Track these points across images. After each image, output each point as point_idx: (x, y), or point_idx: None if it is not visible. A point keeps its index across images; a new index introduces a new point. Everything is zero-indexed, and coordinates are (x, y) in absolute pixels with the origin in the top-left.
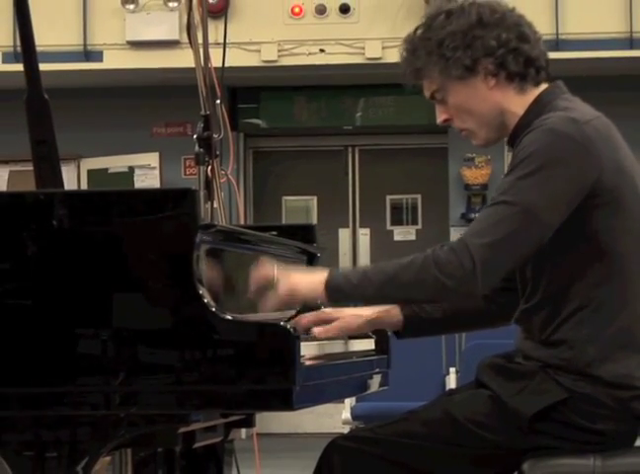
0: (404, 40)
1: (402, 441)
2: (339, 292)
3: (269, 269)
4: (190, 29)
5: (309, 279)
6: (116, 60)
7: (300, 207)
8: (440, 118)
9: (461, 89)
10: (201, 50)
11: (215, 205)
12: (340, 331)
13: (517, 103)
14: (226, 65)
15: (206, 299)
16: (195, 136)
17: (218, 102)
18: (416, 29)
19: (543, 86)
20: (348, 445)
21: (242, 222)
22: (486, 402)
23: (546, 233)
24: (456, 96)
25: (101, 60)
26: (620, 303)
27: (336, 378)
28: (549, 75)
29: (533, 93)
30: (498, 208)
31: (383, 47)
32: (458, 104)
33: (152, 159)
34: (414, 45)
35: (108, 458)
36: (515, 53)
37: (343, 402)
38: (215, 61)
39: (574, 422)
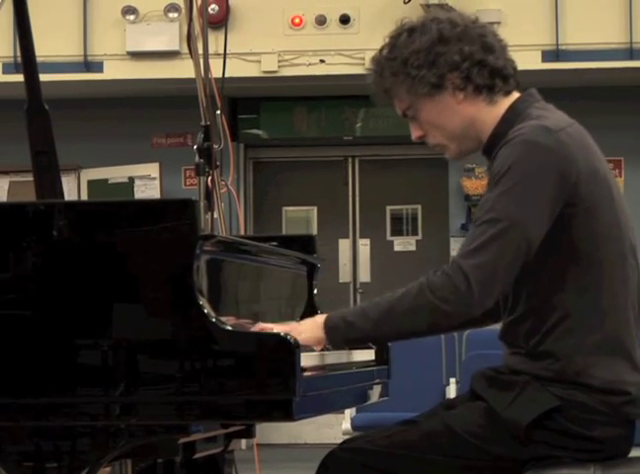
0: (371, 61)
1: (401, 453)
2: (338, 332)
3: (267, 326)
4: (190, 39)
5: (310, 325)
6: (116, 71)
7: (300, 218)
8: (415, 134)
9: (431, 105)
10: (202, 61)
11: (216, 216)
12: None
13: (488, 114)
14: (226, 76)
15: (207, 310)
16: (195, 147)
17: (218, 112)
18: (381, 48)
19: (515, 95)
20: (345, 457)
21: (242, 233)
22: (482, 414)
23: (534, 245)
24: (427, 112)
25: (101, 71)
26: (604, 310)
27: (336, 389)
28: (518, 83)
29: (505, 103)
30: (485, 227)
31: None
32: (430, 120)
33: (152, 170)
34: (380, 66)
35: (108, 469)
36: (480, 66)
37: (343, 413)
38: (215, 72)
39: (570, 430)
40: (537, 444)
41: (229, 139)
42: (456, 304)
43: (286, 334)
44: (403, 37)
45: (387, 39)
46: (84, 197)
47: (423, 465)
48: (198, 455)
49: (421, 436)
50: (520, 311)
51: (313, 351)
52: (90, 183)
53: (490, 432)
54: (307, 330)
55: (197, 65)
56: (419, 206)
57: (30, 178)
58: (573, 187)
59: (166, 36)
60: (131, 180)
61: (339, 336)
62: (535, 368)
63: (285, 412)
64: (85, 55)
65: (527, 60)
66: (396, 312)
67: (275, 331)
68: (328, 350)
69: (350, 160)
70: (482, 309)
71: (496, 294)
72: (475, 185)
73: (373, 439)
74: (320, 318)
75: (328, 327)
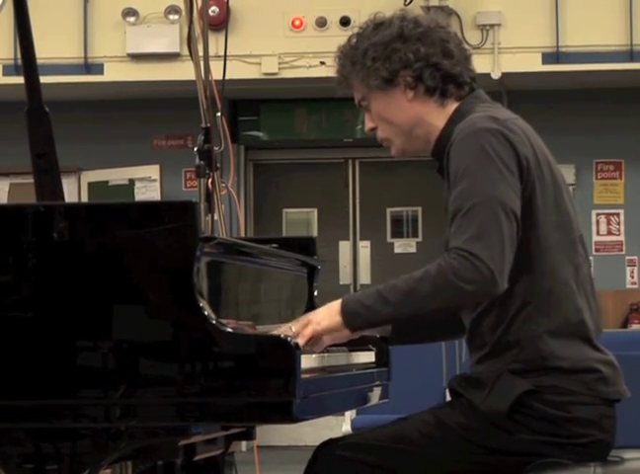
0: (337, 48)
1: (393, 446)
2: (357, 317)
3: (285, 328)
4: (190, 41)
5: (325, 313)
6: (116, 73)
7: (301, 220)
8: (367, 126)
9: (382, 98)
10: (202, 63)
11: (216, 218)
12: (331, 341)
13: (437, 116)
14: (227, 78)
15: (207, 312)
16: (195, 149)
17: (219, 114)
18: (350, 37)
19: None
20: (336, 453)
21: (242, 235)
22: (466, 408)
23: (519, 215)
24: (377, 105)
25: (101, 73)
26: (559, 296)
27: (336, 391)
28: (474, 91)
29: (454, 106)
30: (474, 212)
31: None
32: (379, 113)
33: (153, 171)
34: (343, 54)
35: (108, 471)
36: (433, 68)
37: (343, 415)
38: (216, 74)
39: (548, 414)
40: (521, 433)
41: (229, 141)
42: (481, 285)
43: (286, 336)
44: (369, 29)
45: (357, 30)
46: (84, 198)
47: (417, 458)
48: (198, 457)
49: (413, 429)
50: (484, 304)
51: (313, 352)
52: (90, 185)
53: (475, 423)
54: (325, 317)
55: (197, 67)
56: (419, 208)
57: (30, 180)
58: (527, 169)
59: (166, 37)
60: (132, 182)
61: (359, 320)
62: (503, 364)
63: (286, 414)
64: (85, 57)
65: (528, 62)
66: (418, 294)
67: (283, 329)
68: (328, 352)
69: (350, 162)
70: (503, 287)
71: (509, 269)
72: None
73: (365, 435)
74: (335, 304)
75: (346, 312)
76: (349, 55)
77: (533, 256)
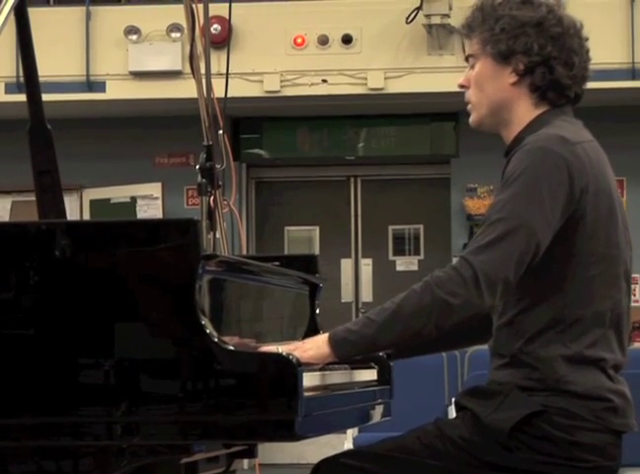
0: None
1: (395, 456)
2: (345, 343)
3: (272, 348)
4: (192, 59)
5: (313, 343)
6: (118, 91)
7: (302, 238)
8: (461, 81)
9: (489, 67)
10: (204, 81)
11: (218, 236)
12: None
13: (525, 112)
14: (229, 95)
15: (209, 330)
16: (197, 167)
17: (221, 132)
18: None
19: None
20: (337, 461)
21: (244, 252)
22: (469, 421)
23: (542, 248)
24: (482, 69)
25: (103, 91)
26: (587, 326)
27: (338, 409)
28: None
29: (542, 110)
30: (495, 225)
31: (385, 78)
32: (479, 77)
33: (155, 189)
34: (481, 7)
35: None
36: (547, 69)
37: (345, 433)
38: (218, 92)
39: (552, 435)
40: (521, 451)
41: (231, 159)
42: (464, 297)
43: (289, 354)
44: (518, 1)
45: None
46: (86, 216)
47: (417, 468)
48: None
49: (415, 440)
50: (509, 315)
51: (315, 370)
52: (92, 202)
53: (477, 437)
54: (313, 347)
55: (199, 85)
56: (421, 226)
57: (32, 197)
58: (579, 200)
59: (168, 55)
60: (134, 200)
61: (346, 347)
62: (517, 378)
63: (288, 432)
64: (87, 75)
65: None
66: (403, 313)
67: (268, 349)
68: (330, 369)
69: (352, 180)
70: (489, 303)
71: (501, 291)
72: (477, 205)
73: (368, 445)
74: (324, 335)
75: (334, 341)
76: (485, 11)
77: (570, 283)
